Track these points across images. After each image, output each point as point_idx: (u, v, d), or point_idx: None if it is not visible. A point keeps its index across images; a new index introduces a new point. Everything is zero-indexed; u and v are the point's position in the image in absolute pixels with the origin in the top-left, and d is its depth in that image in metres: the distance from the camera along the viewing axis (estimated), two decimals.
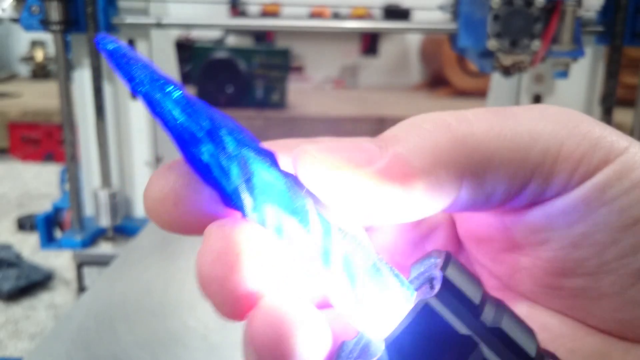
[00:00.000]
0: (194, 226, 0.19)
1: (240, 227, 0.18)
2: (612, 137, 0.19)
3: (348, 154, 0.19)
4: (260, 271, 0.17)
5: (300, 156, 0.19)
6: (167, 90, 0.18)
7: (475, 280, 0.19)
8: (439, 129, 0.19)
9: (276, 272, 0.18)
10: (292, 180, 0.19)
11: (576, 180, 0.18)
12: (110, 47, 0.19)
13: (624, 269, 0.18)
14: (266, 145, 0.20)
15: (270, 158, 0.19)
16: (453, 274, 0.18)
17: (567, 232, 0.19)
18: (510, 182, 0.19)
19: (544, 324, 0.20)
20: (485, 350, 0.18)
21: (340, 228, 0.18)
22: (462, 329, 0.17)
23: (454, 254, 0.20)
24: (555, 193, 0.19)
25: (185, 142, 0.18)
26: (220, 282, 0.17)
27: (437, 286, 0.17)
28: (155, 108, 0.19)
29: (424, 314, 0.17)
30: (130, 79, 0.19)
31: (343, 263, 0.18)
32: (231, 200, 0.18)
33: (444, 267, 0.18)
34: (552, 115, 0.20)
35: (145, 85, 0.18)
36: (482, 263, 0.22)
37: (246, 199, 0.18)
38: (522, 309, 0.21)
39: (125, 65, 0.19)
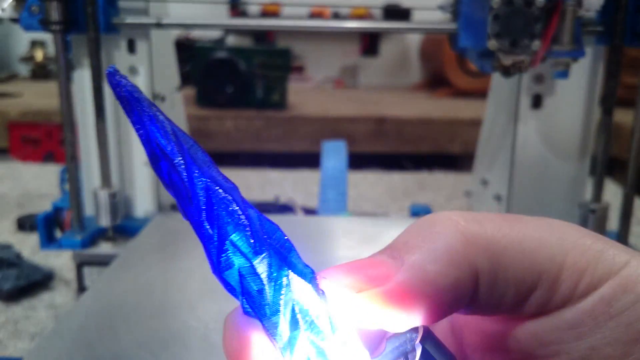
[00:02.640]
0: None
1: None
2: (613, 251, 0.19)
3: (366, 272, 0.19)
4: None
5: (323, 280, 0.19)
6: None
7: (450, 356, 0.19)
8: (449, 230, 0.19)
9: None
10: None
11: (581, 290, 0.19)
12: (123, 90, 0.19)
13: None
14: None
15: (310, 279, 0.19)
16: (431, 348, 0.19)
17: (577, 345, 0.19)
18: (519, 285, 0.19)
19: None
20: None
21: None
22: None
23: None
24: (561, 302, 0.19)
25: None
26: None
27: (417, 356, 0.18)
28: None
29: None
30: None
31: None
32: (267, 328, 0.19)
33: (423, 340, 0.19)
34: (558, 226, 0.20)
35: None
36: None
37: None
38: None
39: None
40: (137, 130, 0.19)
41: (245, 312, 0.19)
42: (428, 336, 0.19)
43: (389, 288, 0.19)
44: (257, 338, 0.19)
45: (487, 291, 0.19)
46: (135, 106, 0.19)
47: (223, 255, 0.19)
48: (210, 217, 0.19)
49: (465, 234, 0.19)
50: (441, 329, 0.24)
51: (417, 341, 0.19)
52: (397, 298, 0.19)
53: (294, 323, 0.19)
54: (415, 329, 0.20)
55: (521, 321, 0.20)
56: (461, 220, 0.20)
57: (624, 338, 0.18)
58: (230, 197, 0.19)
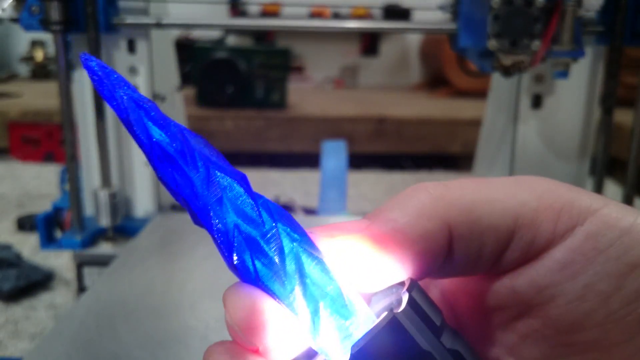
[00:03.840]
0: None
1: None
2: (589, 196, 0.20)
3: (344, 227, 0.21)
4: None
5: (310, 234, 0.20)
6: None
7: (436, 307, 0.20)
8: (419, 193, 0.20)
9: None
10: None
11: (562, 229, 0.20)
12: (95, 66, 0.19)
13: (630, 316, 0.19)
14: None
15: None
16: (418, 296, 0.19)
17: (572, 285, 0.20)
18: (496, 233, 0.20)
19: None
20: None
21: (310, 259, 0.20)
22: (424, 344, 0.19)
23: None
24: (545, 243, 0.20)
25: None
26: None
27: (404, 303, 0.19)
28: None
29: (390, 327, 0.19)
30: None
31: (307, 288, 0.19)
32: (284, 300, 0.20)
33: (410, 289, 0.19)
34: (527, 179, 0.21)
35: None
36: (487, 336, 0.23)
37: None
38: None
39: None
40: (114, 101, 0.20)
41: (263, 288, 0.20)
42: (414, 286, 0.20)
43: (362, 234, 0.20)
44: (267, 302, 0.19)
45: (464, 245, 0.20)
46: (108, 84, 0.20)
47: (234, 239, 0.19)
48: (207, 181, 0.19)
49: (433, 194, 0.20)
50: (435, 296, 0.24)
51: (404, 290, 0.19)
52: (373, 242, 0.19)
53: (311, 297, 0.19)
54: (402, 283, 0.20)
55: (513, 273, 0.21)
56: (430, 186, 0.21)
57: (615, 272, 0.19)
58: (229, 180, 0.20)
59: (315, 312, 0.19)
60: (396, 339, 0.19)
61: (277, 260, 0.19)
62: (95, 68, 0.20)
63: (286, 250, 0.19)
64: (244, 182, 0.20)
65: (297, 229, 0.20)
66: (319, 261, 0.20)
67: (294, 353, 0.20)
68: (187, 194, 0.19)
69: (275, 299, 0.19)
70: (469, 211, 0.20)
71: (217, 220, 0.19)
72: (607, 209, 0.20)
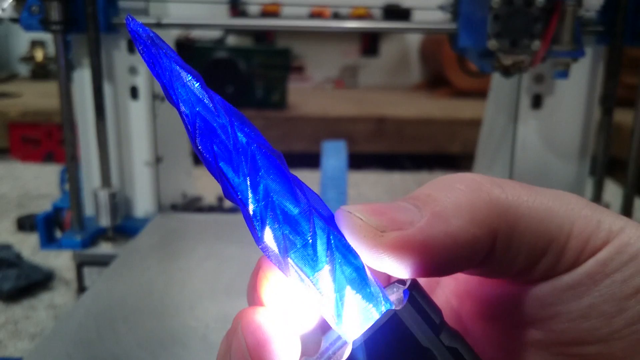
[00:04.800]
0: None
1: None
2: (610, 219, 0.21)
3: (391, 215, 0.20)
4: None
5: (345, 217, 0.20)
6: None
7: (436, 306, 0.20)
8: (473, 190, 0.20)
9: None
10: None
11: (585, 257, 0.20)
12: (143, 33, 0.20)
13: (634, 335, 0.19)
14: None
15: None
16: (418, 295, 0.20)
17: (576, 304, 0.20)
18: (531, 250, 0.20)
19: None
20: None
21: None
22: (424, 341, 0.19)
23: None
24: (565, 268, 0.20)
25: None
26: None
27: (405, 301, 0.19)
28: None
29: (391, 323, 0.19)
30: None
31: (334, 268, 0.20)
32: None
33: (411, 287, 0.20)
34: (566, 197, 0.22)
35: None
36: (489, 340, 0.23)
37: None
38: None
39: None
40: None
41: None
42: (414, 285, 0.20)
43: (411, 232, 0.19)
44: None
45: (502, 253, 0.20)
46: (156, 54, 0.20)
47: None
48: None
49: (490, 195, 0.20)
50: (441, 299, 0.24)
51: (404, 288, 0.20)
52: (418, 244, 0.19)
53: (339, 278, 0.20)
54: (402, 281, 0.21)
55: (524, 286, 0.21)
56: (485, 182, 0.21)
57: (619, 294, 0.19)
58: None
59: (340, 294, 0.19)
60: (396, 336, 0.19)
61: (310, 240, 0.19)
62: (142, 34, 0.20)
63: (318, 231, 0.20)
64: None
65: (325, 210, 0.20)
66: (346, 244, 0.20)
67: None
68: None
69: (301, 276, 0.20)
70: (516, 224, 0.20)
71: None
72: (622, 236, 0.20)
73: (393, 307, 0.19)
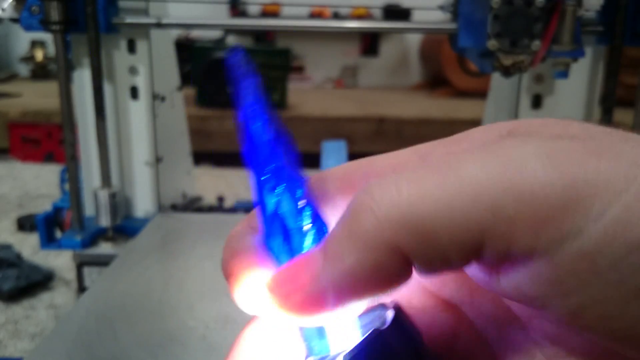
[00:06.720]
0: None
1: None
2: (614, 173, 0.15)
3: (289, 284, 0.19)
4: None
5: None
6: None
7: (419, 331, 0.20)
8: (364, 214, 0.18)
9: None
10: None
11: (543, 243, 0.16)
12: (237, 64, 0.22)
13: (637, 334, 0.16)
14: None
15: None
16: (402, 317, 0.20)
17: (563, 302, 0.16)
18: (458, 250, 0.17)
19: None
20: None
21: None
22: None
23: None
24: (523, 255, 0.16)
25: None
26: None
27: (388, 321, 0.19)
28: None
29: (375, 343, 0.19)
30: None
31: None
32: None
33: (393, 307, 0.20)
34: (515, 153, 0.17)
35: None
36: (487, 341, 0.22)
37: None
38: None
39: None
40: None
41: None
42: (396, 306, 0.20)
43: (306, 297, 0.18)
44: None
45: (423, 262, 0.17)
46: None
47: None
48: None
49: (377, 215, 0.17)
50: (433, 316, 0.23)
51: (388, 309, 0.20)
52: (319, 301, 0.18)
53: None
54: (383, 305, 0.20)
55: (498, 278, 0.18)
56: (374, 200, 0.17)
57: (617, 296, 0.15)
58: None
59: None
60: (380, 356, 0.19)
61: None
62: (235, 65, 0.22)
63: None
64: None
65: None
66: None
67: None
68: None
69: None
70: (421, 232, 0.17)
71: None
72: (618, 207, 0.15)
73: (369, 332, 0.19)
